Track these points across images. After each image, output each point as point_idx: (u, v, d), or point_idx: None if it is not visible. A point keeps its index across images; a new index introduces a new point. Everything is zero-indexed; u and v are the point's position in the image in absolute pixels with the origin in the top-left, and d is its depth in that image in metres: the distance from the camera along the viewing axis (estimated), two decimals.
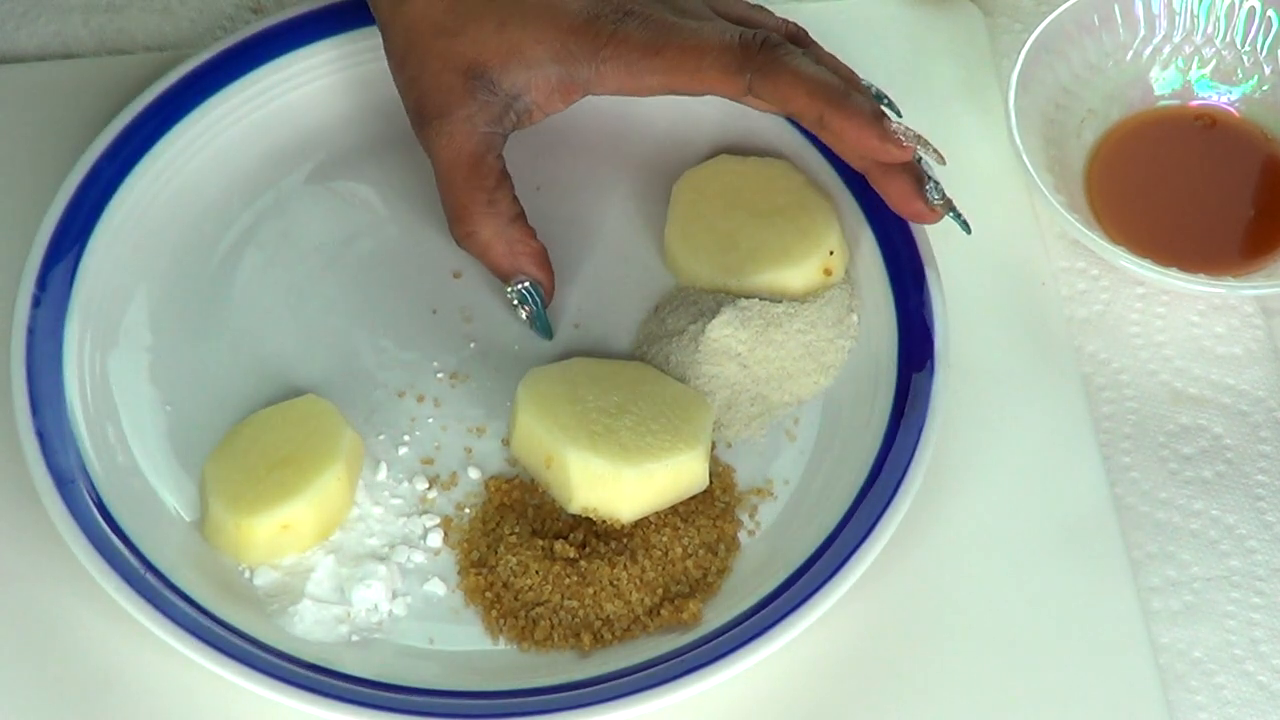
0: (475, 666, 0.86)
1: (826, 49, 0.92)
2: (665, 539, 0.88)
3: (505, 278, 0.94)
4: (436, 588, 0.88)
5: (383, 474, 0.91)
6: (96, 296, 0.93)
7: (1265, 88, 1.01)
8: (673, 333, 0.93)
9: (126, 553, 0.86)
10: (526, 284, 0.94)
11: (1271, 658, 0.88)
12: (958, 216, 0.92)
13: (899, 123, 0.89)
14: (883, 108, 0.89)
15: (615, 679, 0.84)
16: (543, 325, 0.94)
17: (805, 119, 0.90)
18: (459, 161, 0.92)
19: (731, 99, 0.91)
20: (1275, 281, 0.95)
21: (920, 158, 0.90)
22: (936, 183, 0.91)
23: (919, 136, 0.89)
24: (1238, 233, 0.99)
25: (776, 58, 0.89)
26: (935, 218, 0.92)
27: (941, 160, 0.89)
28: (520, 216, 0.94)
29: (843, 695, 0.86)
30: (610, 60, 0.91)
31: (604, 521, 0.88)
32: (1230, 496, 0.92)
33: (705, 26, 0.90)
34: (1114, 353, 0.96)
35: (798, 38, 0.92)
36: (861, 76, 0.92)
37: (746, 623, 0.85)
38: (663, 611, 0.87)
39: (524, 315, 0.94)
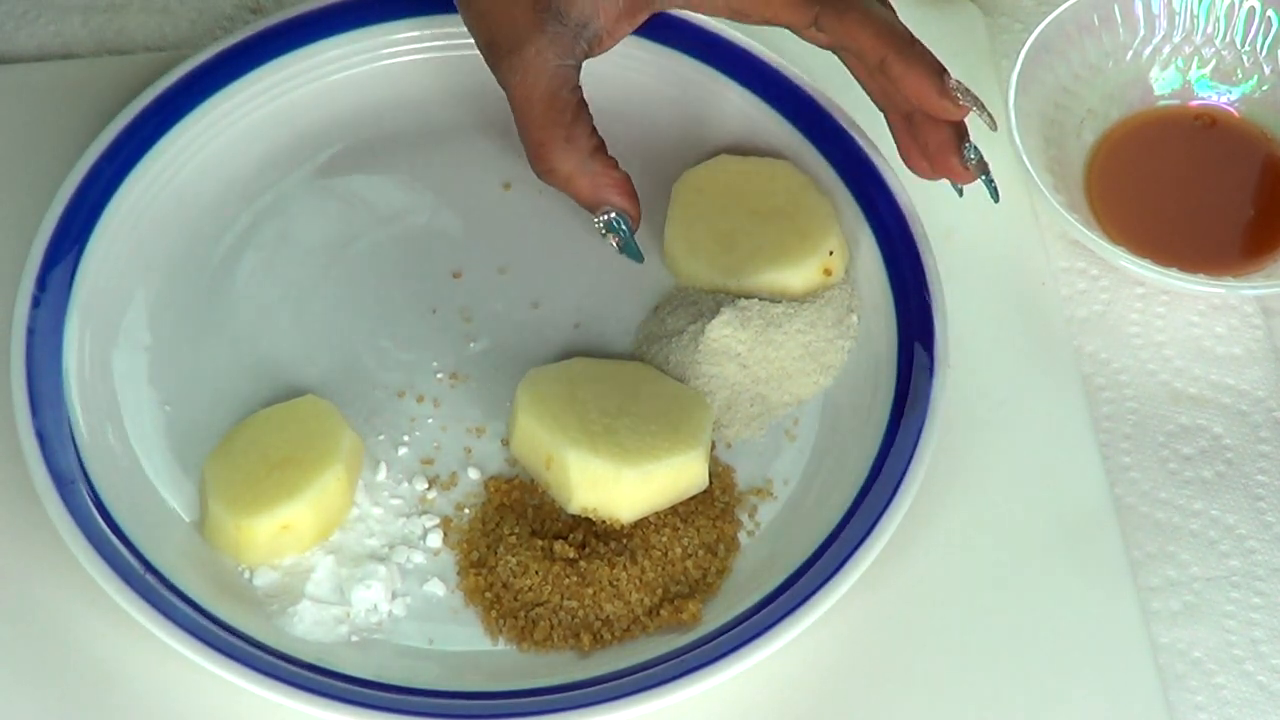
0: (475, 667, 0.86)
1: None
2: (665, 539, 0.88)
3: (591, 209, 0.93)
4: (436, 588, 0.88)
5: (382, 474, 0.91)
6: (96, 296, 0.93)
7: (1265, 88, 1.01)
8: (672, 333, 0.93)
9: (126, 553, 0.86)
10: (613, 214, 0.92)
11: (1271, 658, 0.88)
12: (989, 181, 0.92)
13: (958, 80, 0.89)
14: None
15: (615, 679, 0.84)
16: (633, 251, 0.93)
17: (865, 60, 0.90)
18: (533, 98, 0.91)
19: (792, 28, 0.91)
20: (1275, 281, 0.95)
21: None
22: (974, 145, 0.91)
23: (976, 98, 0.89)
24: (1238, 233, 0.99)
25: None
26: (969, 177, 0.92)
27: (994, 126, 0.90)
28: (600, 148, 0.92)
29: (842, 695, 0.86)
30: None
31: (603, 522, 0.88)
32: (1230, 496, 0.92)
33: None
34: (1114, 353, 0.96)
35: None
36: None
37: (746, 623, 0.85)
38: (662, 612, 0.87)
39: (613, 244, 0.93)
